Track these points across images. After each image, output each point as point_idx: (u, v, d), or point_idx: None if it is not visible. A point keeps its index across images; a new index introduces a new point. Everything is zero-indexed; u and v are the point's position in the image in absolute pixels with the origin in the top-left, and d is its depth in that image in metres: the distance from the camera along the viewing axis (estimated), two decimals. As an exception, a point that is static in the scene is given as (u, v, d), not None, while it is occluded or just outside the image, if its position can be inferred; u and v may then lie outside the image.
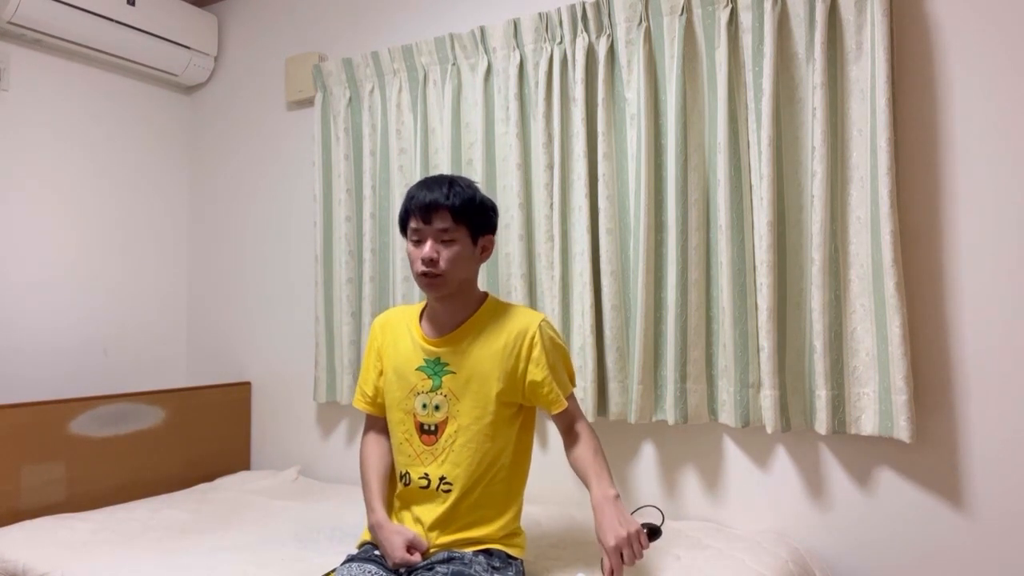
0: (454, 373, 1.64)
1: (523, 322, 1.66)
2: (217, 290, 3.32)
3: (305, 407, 3.02)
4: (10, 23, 2.63)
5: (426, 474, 1.63)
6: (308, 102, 3.02)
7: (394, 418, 1.69)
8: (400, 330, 1.74)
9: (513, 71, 2.44)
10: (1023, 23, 1.87)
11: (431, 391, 1.65)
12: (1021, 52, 1.87)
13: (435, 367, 1.66)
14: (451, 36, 2.58)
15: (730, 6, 2.11)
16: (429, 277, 1.58)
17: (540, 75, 2.38)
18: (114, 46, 2.94)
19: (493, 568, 1.56)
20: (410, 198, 1.61)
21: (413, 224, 1.60)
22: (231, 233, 3.29)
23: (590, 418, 2.27)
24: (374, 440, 1.78)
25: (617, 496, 1.57)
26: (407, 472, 1.66)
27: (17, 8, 2.59)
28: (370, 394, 1.78)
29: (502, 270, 2.48)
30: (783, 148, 2.07)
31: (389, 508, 1.69)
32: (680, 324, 2.15)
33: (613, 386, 2.26)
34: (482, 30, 2.51)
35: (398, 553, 1.54)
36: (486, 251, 1.68)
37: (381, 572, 1.53)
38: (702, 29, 2.18)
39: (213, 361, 3.30)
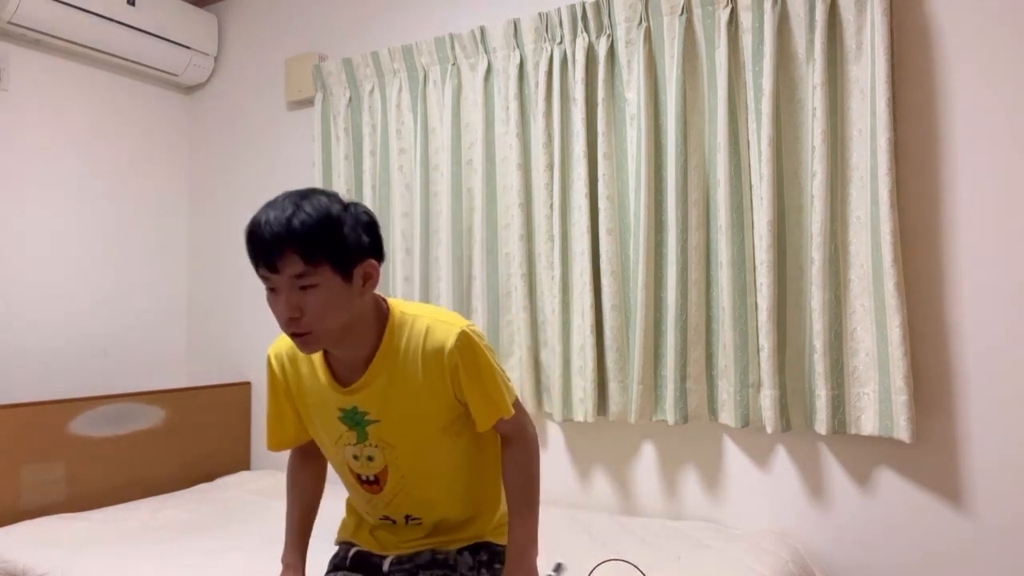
0: (378, 422, 1.35)
1: (437, 340, 1.32)
2: (217, 290, 3.32)
3: (305, 407, 3.01)
4: (10, 23, 2.63)
5: (386, 516, 1.45)
6: (308, 102, 3.02)
7: (332, 464, 1.46)
8: (306, 366, 1.41)
9: (513, 71, 2.44)
10: (1022, 23, 1.87)
11: (358, 443, 1.38)
12: (1021, 52, 1.87)
13: (354, 417, 1.36)
14: (451, 36, 2.58)
15: (730, 6, 2.11)
16: (300, 337, 1.23)
17: (540, 75, 2.38)
18: (114, 46, 2.94)
19: (480, 563, 1.44)
20: (249, 235, 1.21)
21: (261, 272, 1.21)
22: (231, 233, 3.29)
23: (590, 418, 2.27)
24: (301, 464, 1.52)
25: (532, 549, 1.39)
26: (367, 512, 1.47)
27: (17, 8, 2.60)
28: (292, 433, 1.47)
29: (502, 270, 2.48)
30: (783, 148, 2.08)
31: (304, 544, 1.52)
32: (680, 324, 2.15)
33: (613, 386, 2.26)
34: (482, 30, 2.51)
35: None
36: (370, 279, 1.27)
37: None
38: (702, 29, 2.18)
39: (213, 361, 3.30)
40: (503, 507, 1.49)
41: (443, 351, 1.31)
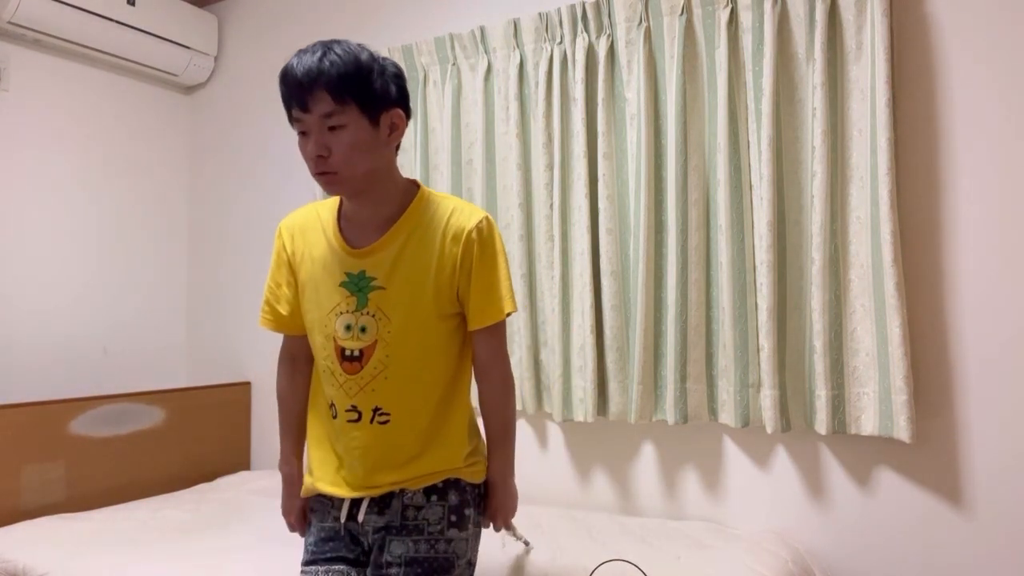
0: (383, 289, 1.36)
1: (461, 220, 1.38)
2: (217, 290, 3.31)
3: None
4: (10, 23, 2.63)
5: (353, 406, 1.37)
6: (308, 102, 3.01)
7: (316, 342, 1.43)
8: (315, 235, 1.43)
9: (513, 71, 2.44)
10: (1022, 23, 1.87)
11: (356, 310, 1.36)
12: (1021, 52, 1.87)
13: (360, 282, 1.37)
14: (451, 36, 2.58)
15: (730, 6, 2.11)
16: (326, 176, 1.30)
17: (540, 75, 2.38)
18: (114, 46, 2.94)
19: (450, 510, 1.38)
20: (282, 77, 1.29)
21: (294, 113, 1.29)
22: (231, 233, 3.29)
23: (590, 418, 2.27)
24: (291, 369, 1.54)
25: (511, 476, 1.47)
26: (333, 403, 1.40)
27: (17, 8, 2.60)
28: (284, 313, 1.48)
29: (502, 270, 2.48)
30: (783, 148, 2.08)
31: (299, 448, 1.54)
32: (680, 324, 2.15)
33: (613, 386, 2.26)
34: (482, 30, 2.51)
35: (291, 518, 1.48)
36: (396, 130, 1.34)
37: (352, 571, 1.39)
38: (702, 29, 2.18)
39: (213, 361, 3.30)
40: (475, 445, 1.45)
41: (464, 229, 1.36)
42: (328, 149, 1.27)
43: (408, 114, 1.37)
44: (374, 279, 1.36)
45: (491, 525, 1.50)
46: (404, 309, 1.36)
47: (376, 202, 1.37)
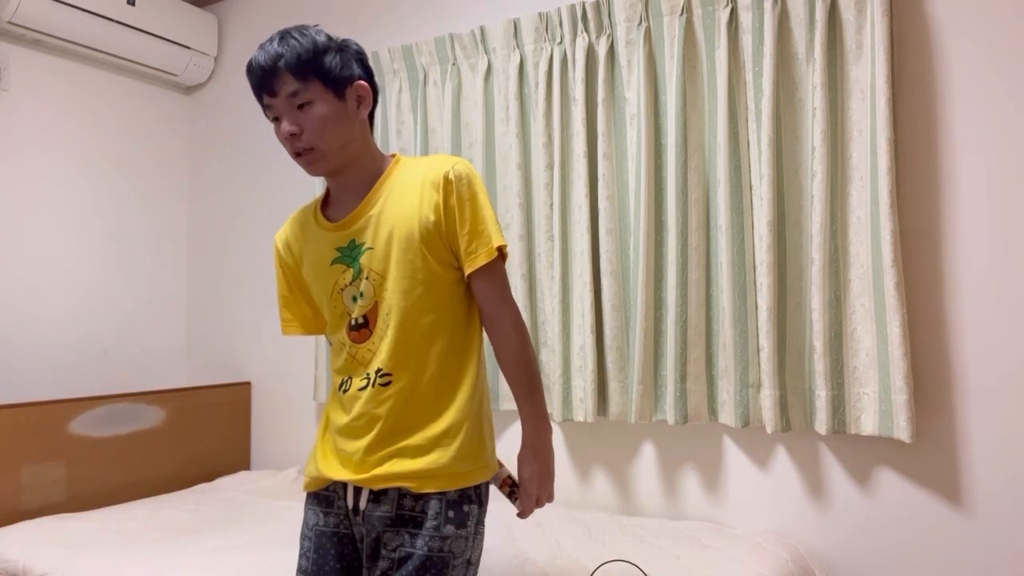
0: (372, 248, 1.37)
1: (437, 167, 1.37)
2: (217, 290, 3.32)
3: (305, 407, 3.02)
4: (10, 23, 2.64)
5: (367, 374, 1.36)
6: (308, 102, 3.01)
7: (332, 326, 1.45)
8: (306, 231, 1.47)
9: (513, 71, 2.44)
10: (1023, 23, 1.87)
11: (354, 280, 1.38)
12: (1021, 52, 1.87)
13: (352, 251, 1.39)
14: (451, 36, 2.58)
15: (730, 6, 2.11)
16: (303, 155, 1.34)
17: (540, 75, 2.38)
18: (114, 46, 2.94)
19: (450, 504, 1.33)
20: (248, 69, 1.35)
21: (264, 100, 1.34)
22: (231, 233, 3.29)
23: (590, 418, 2.27)
24: None
25: (545, 427, 1.39)
26: (348, 378, 1.40)
27: (17, 8, 2.60)
28: (300, 314, 1.53)
29: (502, 270, 2.48)
30: (783, 148, 2.08)
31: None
32: (680, 324, 2.15)
33: (613, 386, 2.26)
34: (482, 30, 2.51)
35: None
36: (363, 102, 1.38)
37: None
38: (702, 29, 2.18)
39: (213, 361, 3.30)
40: (485, 444, 1.39)
41: (441, 172, 1.36)
42: (300, 127, 1.32)
43: (374, 88, 1.40)
44: (363, 243, 1.38)
45: (524, 505, 1.38)
46: (392, 260, 1.36)
47: (357, 176, 1.41)
